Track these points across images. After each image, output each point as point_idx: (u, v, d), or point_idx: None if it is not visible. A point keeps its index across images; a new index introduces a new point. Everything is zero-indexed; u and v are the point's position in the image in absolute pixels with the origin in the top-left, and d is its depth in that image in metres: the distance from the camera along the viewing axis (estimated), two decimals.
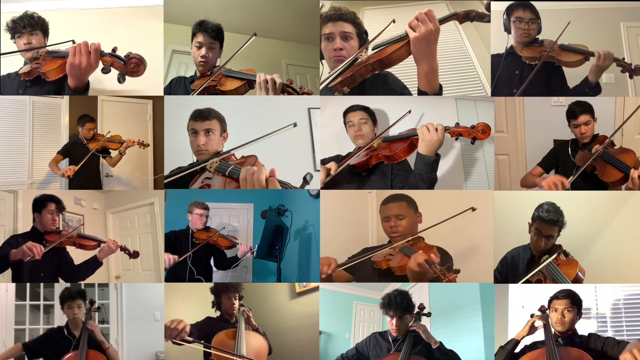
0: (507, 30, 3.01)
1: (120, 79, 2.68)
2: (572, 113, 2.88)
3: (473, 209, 2.54)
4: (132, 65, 2.66)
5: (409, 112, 2.80)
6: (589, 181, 2.82)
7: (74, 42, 2.67)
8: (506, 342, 2.47)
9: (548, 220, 2.61)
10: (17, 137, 3.26)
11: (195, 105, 2.62)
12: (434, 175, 2.54)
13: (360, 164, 2.74)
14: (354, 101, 2.89)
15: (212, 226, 3.33)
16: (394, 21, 2.65)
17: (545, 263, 2.54)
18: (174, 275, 3.06)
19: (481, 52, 3.14)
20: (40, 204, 2.85)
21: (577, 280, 2.49)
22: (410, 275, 2.39)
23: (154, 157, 3.50)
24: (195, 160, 2.55)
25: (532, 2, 2.94)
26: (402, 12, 3.35)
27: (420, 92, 2.59)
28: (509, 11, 2.98)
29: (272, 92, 2.66)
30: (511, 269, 2.77)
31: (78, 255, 2.92)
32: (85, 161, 3.19)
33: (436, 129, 2.46)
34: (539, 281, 2.58)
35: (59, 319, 3.06)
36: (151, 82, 2.90)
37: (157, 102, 3.40)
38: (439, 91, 2.62)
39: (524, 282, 2.61)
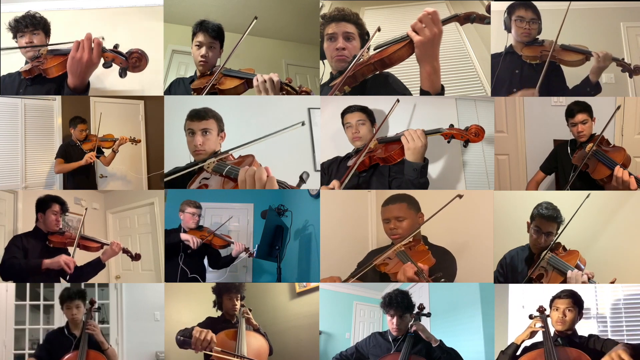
0: (508, 29, 3.01)
1: (122, 74, 2.70)
2: (570, 112, 2.89)
3: (460, 196, 2.58)
4: (133, 60, 2.68)
5: (398, 101, 2.78)
6: (586, 181, 2.84)
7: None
8: (507, 347, 2.47)
9: (548, 217, 2.65)
10: (9, 140, 3.24)
11: (193, 104, 2.62)
12: (425, 180, 2.58)
13: (357, 165, 2.74)
14: (354, 101, 2.88)
15: (209, 226, 3.33)
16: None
17: (546, 256, 2.59)
18: (165, 275, 3.06)
19: (481, 52, 3.13)
20: (44, 204, 2.85)
21: (577, 268, 2.55)
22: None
23: (147, 155, 3.52)
24: (192, 161, 2.55)
25: (533, 2, 2.95)
26: (402, 12, 3.35)
27: (423, 92, 2.62)
28: (510, 10, 2.98)
29: (270, 92, 2.66)
30: (510, 269, 2.77)
31: (80, 257, 2.92)
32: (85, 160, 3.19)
33: (419, 135, 2.52)
34: (540, 276, 2.60)
35: (59, 319, 3.06)
36: (151, 81, 2.90)
37: (151, 102, 3.41)
38: (441, 91, 2.65)
39: (527, 280, 2.64)
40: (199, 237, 3.17)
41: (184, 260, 3.09)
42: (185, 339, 2.41)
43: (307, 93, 2.72)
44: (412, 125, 3.15)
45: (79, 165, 3.17)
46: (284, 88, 2.68)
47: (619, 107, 2.92)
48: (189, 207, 3.23)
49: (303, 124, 2.41)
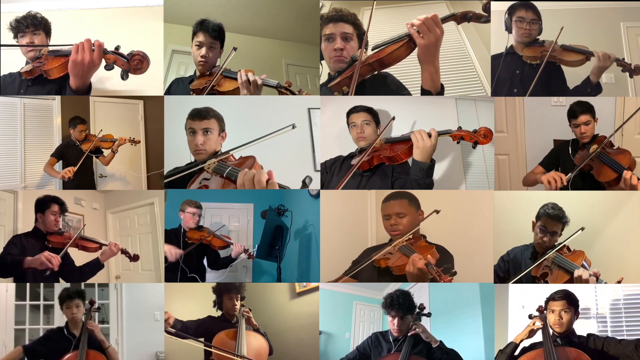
0: (508, 29, 3.02)
1: (124, 76, 2.68)
2: (573, 113, 2.89)
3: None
4: (135, 62, 2.66)
5: (393, 118, 2.83)
6: (587, 181, 2.83)
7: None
8: (505, 346, 2.47)
9: (554, 216, 2.66)
10: (9, 140, 3.23)
11: (193, 104, 2.62)
12: (430, 180, 2.58)
13: (361, 164, 2.74)
14: (355, 101, 2.88)
15: (209, 226, 3.32)
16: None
17: (551, 255, 2.59)
18: (166, 274, 3.06)
19: (481, 52, 3.14)
20: (43, 204, 2.85)
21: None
22: (409, 276, 2.40)
23: (147, 155, 3.52)
24: (193, 160, 2.55)
25: (533, 2, 2.95)
26: (402, 12, 3.36)
27: (424, 91, 2.63)
28: (511, 10, 2.99)
29: (253, 92, 2.66)
30: (512, 266, 2.78)
31: (79, 257, 2.92)
32: (80, 162, 3.18)
33: (429, 135, 2.52)
34: (544, 275, 2.60)
35: (59, 319, 3.06)
36: (151, 82, 2.90)
37: (151, 102, 3.41)
38: (441, 90, 2.66)
39: (530, 281, 2.65)
40: (198, 237, 3.17)
41: (183, 260, 3.10)
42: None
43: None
44: (414, 126, 3.16)
45: (57, 177, 3.17)
46: (283, 93, 2.68)
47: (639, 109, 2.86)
48: (190, 207, 3.23)
49: (293, 126, 2.41)
